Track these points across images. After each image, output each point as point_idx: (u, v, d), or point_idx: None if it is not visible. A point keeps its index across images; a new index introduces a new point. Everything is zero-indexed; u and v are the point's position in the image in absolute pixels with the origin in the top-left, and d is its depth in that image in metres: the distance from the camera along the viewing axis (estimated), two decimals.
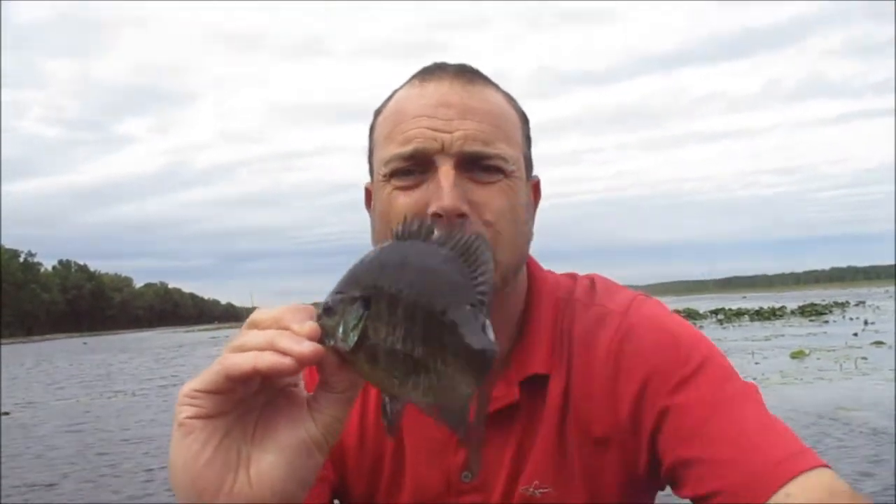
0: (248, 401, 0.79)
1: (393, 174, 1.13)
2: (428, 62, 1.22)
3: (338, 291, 0.79)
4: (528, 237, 1.20)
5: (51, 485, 8.63)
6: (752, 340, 22.10)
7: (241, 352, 0.76)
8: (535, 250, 1.24)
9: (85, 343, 79.98)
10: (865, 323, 27.08)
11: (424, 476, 1.19)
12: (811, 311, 38.37)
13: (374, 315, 0.75)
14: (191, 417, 0.76)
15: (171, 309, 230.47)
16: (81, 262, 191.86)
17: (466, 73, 1.17)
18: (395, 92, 1.21)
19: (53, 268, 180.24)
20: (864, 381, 12.65)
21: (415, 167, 1.12)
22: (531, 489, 1.14)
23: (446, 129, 1.10)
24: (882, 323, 26.66)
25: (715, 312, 40.28)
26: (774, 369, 14.47)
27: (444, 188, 1.06)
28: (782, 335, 23.95)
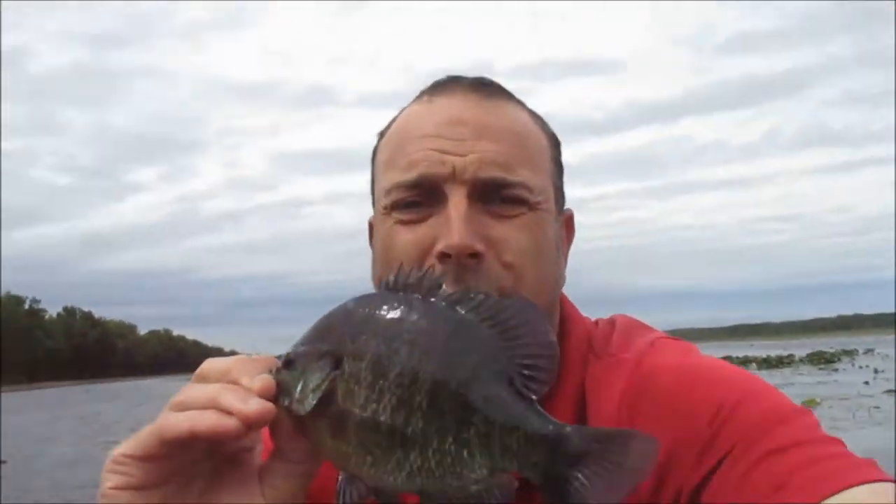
0: (189, 469, 0.67)
1: (395, 206, 0.96)
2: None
3: (303, 343, 0.67)
4: (557, 280, 1.00)
5: None
6: None
7: (181, 410, 0.65)
8: None
9: (87, 391, 79.31)
10: (875, 371, 26.82)
11: None
12: (820, 359, 38.02)
13: (348, 376, 0.64)
14: (116, 488, 0.64)
15: (174, 356, 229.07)
16: (86, 309, 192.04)
17: (484, 87, 0.98)
18: (402, 110, 1.03)
19: (58, 314, 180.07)
20: (879, 431, 12.45)
21: (420, 197, 0.94)
22: None
23: (458, 152, 0.92)
24: (892, 371, 26.35)
25: None
26: None
27: (454, 222, 0.88)
28: (792, 383, 23.62)
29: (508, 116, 0.97)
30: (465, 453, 0.62)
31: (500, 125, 0.95)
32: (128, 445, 0.66)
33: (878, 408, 14.90)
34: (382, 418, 0.62)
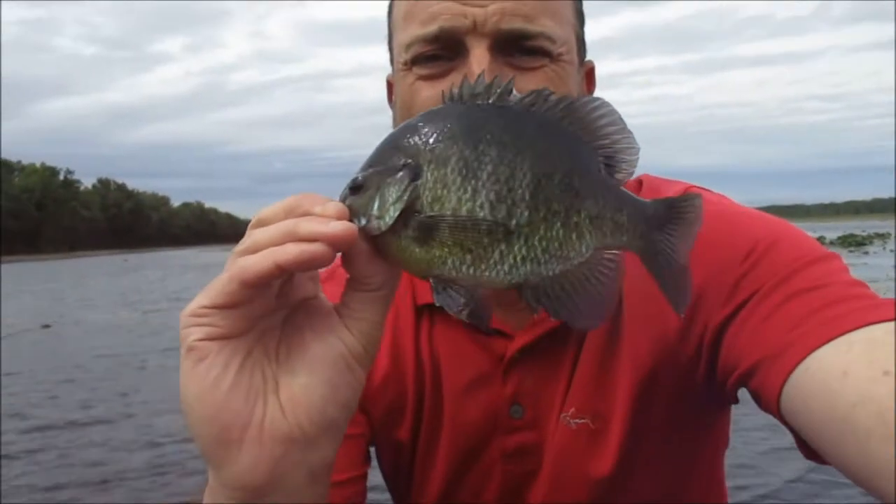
0: (266, 319, 0.67)
1: (415, 61, 0.95)
2: None
3: (368, 165, 0.66)
4: None
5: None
6: None
7: (252, 253, 0.63)
8: None
9: (125, 260, 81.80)
10: None
11: (466, 414, 1.04)
12: (850, 242, 37.65)
13: (433, 183, 0.63)
14: (202, 339, 0.63)
15: (207, 228, 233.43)
16: (119, 181, 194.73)
17: None
18: None
19: (93, 186, 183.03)
20: None
21: (441, 51, 0.94)
22: (568, 417, 1.01)
23: (478, 3, 0.91)
24: None
25: None
26: None
27: (477, 75, 0.91)
28: None
29: None
30: (573, 236, 0.65)
31: None
32: (206, 296, 0.64)
33: None
34: (482, 214, 0.63)
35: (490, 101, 0.66)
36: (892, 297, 0.82)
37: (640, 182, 1.08)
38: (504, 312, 1.05)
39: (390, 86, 1.09)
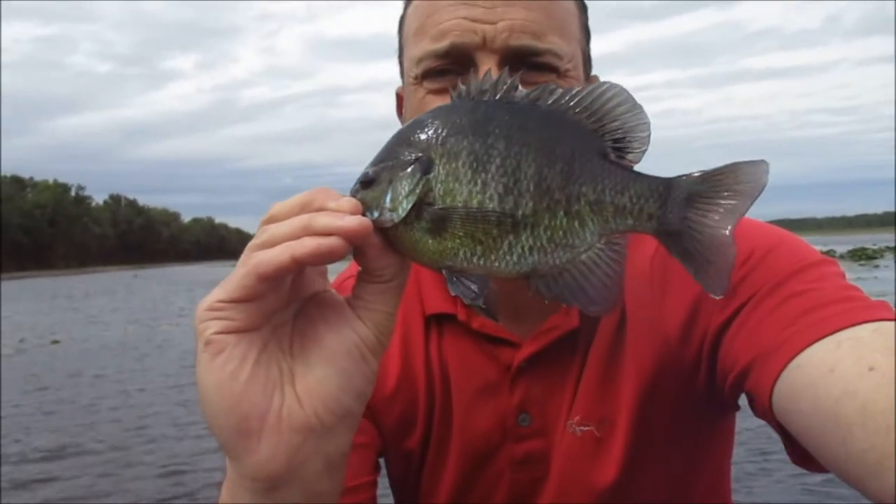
0: (279, 313, 0.68)
1: (425, 75, 0.97)
2: None
3: (379, 160, 0.67)
4: None
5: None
6: None
7: (268, 247, 0.64)
8: None
9: (135, 276, 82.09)
10: None
11: (474, 423, 1.05)
12: (861, 256, 37.41)
13: (445, 176, 0.65)
14: (220, 333, 0.64)
15: (217, 243, 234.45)
16: (131, 197, 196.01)
17: None
18: None
19: (104, 202, 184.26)
20: None
21: (451, 66, 0.96)
22: (573, 425, 1.01)
23: (488, 19, 0.93)
24: None
25: None
26: None
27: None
28: None
29: None
30: (576, 224, 0.65)
31: None
32: (223, 290, 0.65)
33: None
34: (491, 206, 0.64)
35: (497, 97, 0.67)
36: None
37: None
38: (511, 322, 1.06)
39: (400, 98, 1.11)
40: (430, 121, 0.67)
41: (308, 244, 0.62)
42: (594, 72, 1.09)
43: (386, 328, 0.69)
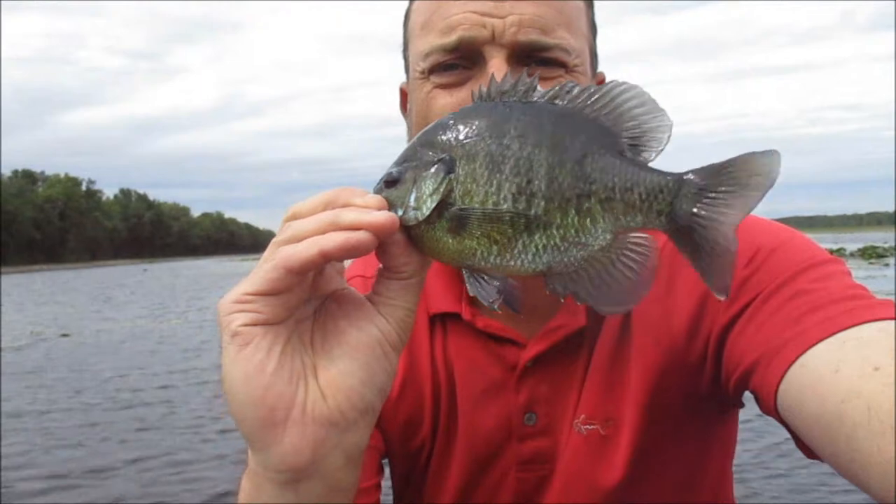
0: (301, 308, 0.69)
1: (433, 70, 0.97)
2: None
3: (403, 161, 0.69)
4: None
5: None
6: None
7: (294, 242, 0.65)
8: None
9: (145, 269, 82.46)
10: None
11: (480, 422, 1.05)
12: (871, 255, 37.16)
13: (465, 177, 0.66)
14: (246, 325, 0.65)
15: (226, 238, 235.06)
16: (141, 191, 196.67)
17: None
18: None
19: (115, 196, 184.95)
20: None
21: (459, 60, 0.95)
22: (579, 424, 1.01)
23: (497, 13, 0.93)
24: None
25: None
26: None
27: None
28: None
29: None
30: (588, 222, 0.66)
31: None
32: (250, 283, 0.66)
33: None
34: (505, 207, 0.65)
35: (516, 98, 0.68)
36: None
37: None
38: (516, 322, 1.05)
39: (404, 94, 1.10)
40: (451, 122, 0.68)
41: (336, 238, 0.63)
42: (601, 67, 1.09)
43: (406, 324, 0.70)
